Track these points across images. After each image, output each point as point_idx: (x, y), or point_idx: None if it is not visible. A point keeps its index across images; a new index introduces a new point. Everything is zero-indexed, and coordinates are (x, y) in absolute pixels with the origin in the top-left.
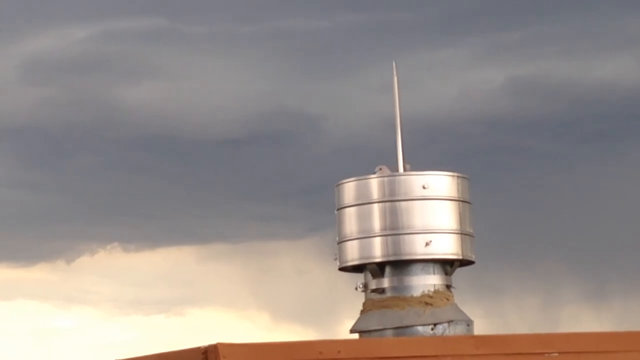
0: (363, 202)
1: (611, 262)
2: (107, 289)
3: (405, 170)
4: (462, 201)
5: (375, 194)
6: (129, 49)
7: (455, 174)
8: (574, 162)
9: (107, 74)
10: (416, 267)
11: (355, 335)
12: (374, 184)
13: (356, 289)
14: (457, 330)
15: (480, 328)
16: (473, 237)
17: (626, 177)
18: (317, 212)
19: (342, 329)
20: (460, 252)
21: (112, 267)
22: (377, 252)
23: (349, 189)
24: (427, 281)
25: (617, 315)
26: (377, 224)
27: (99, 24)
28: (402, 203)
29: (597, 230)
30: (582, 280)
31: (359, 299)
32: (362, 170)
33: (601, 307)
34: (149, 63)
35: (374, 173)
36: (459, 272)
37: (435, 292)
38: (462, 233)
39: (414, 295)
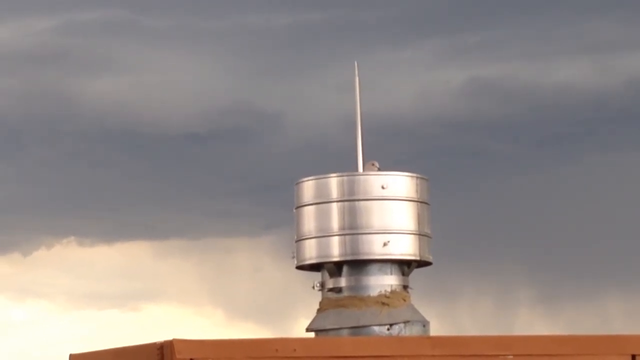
0: (322, 201)
1: (565, 266)
2: (62, 282)
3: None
4: (420, 202)
5: (334, 193)
6: (89, 41)
7: (415, 174)
8: (530, 165)
9: (67, 66)
10: (373, 267)
11: (311, 334)
12: (333, 183)
13: (313, 287)
14: (413, 330)
15: (434, 329)
16: (431, 238)
17: (581, 180)
18: (275, 210)
19: (298, 328)
20: (417, 253)
21: (68, 261)
22: (335, 251)
23: (308, 187)
24: (384, 281)
25: (569, 319)
26: (335, 223)
27: (59, 16)
28: (361, 203)
29: (551, 233)
30: (536, 284)
31: (316, 298)
32: (321, 169)
33: (554, 310)
34: (109, 56)
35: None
36: (416, 273)
37: (392, 292)
38: (420, 234)
39: (371, 295)
